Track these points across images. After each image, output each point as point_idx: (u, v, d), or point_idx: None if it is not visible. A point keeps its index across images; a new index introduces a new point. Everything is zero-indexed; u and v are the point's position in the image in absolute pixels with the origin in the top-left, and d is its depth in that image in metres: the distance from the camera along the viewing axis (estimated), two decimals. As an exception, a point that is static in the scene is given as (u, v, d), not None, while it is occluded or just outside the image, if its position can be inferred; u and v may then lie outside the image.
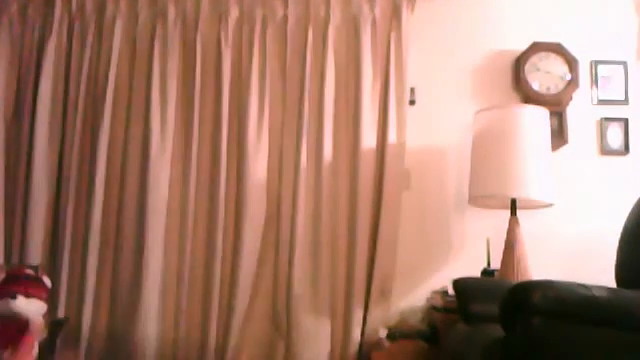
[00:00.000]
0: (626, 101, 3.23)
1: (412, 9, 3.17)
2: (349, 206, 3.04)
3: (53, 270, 2.97)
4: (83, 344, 2.92)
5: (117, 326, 2.95)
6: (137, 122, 3.08)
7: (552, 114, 3.02)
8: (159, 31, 3.13)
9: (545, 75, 3.20)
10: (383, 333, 2.91)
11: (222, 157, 3.04)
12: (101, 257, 3.01)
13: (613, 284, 2.34)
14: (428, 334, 2.83)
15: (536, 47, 3.20)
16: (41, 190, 3.02)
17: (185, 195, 3.04)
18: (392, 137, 3.04)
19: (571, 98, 3.20)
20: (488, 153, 2.80)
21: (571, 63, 3.19)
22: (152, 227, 2.96)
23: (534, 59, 3.20)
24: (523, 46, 3.21)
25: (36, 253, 2.98)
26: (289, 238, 3.00)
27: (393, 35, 3.12)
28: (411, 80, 3.15)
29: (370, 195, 3.03)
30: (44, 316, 2.53)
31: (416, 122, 3.17)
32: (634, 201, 2.40)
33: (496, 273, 2.82)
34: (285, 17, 3.16)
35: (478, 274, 2.90)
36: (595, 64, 3.24)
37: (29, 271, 2.56)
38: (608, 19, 3.28)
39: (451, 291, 2.67)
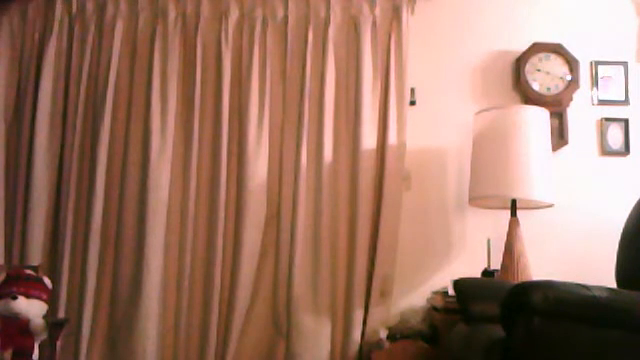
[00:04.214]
0: (626, 101, 3.22)
1: (412, 10, 3.17)
2: (349, 207, 3.04)
3: (53, 271, 2.97)
4: (83, 345, 2.92)
5: (117, 326, 2.95)
6: (137, 123, 3.08)
7: (552, 115, 3.03)
8: (159, 31, 3.13)
9: (545, 76, 3.20)
10: (383, 333, 2.91)
11: (222, 157, 3.03)
12: (101, 258, 3.01)
13: (613, 284, 2.34)
14: (428, 334, 2.83)
15: (536, 47, 3.20)
16: (41, 191, 3.02)
17: (185, 195, 3.04)
18: (392, 138, 3.04)
19: (571, 99, 3.20)
20: (488, 154, 2.79)
21: (571, 63, 3.19)
22: (152, 227, 2.96)
23: (534, 59, 3.20)
24: (523, 46, 3.21)
25: (36, 254, 2.98)
26: (289, 239, 3.00)
27: (393, 36, 3.12)
28: (411, 80, 3.15)
29: (370, 196, 3.03)
30: (44, 317, 2.52)
31: (416, 122, 3.17)
32: (634, 202, 2.40)
33: (496, 274, 2.82)
34: (285, 18, 3.16)
35: (478, 274, 2.90)
36: (595, 64, 3.24)
37: (29, 272, 2.55)
38: (608, 20, 3.28)
39: (451, 291, 2.67)
